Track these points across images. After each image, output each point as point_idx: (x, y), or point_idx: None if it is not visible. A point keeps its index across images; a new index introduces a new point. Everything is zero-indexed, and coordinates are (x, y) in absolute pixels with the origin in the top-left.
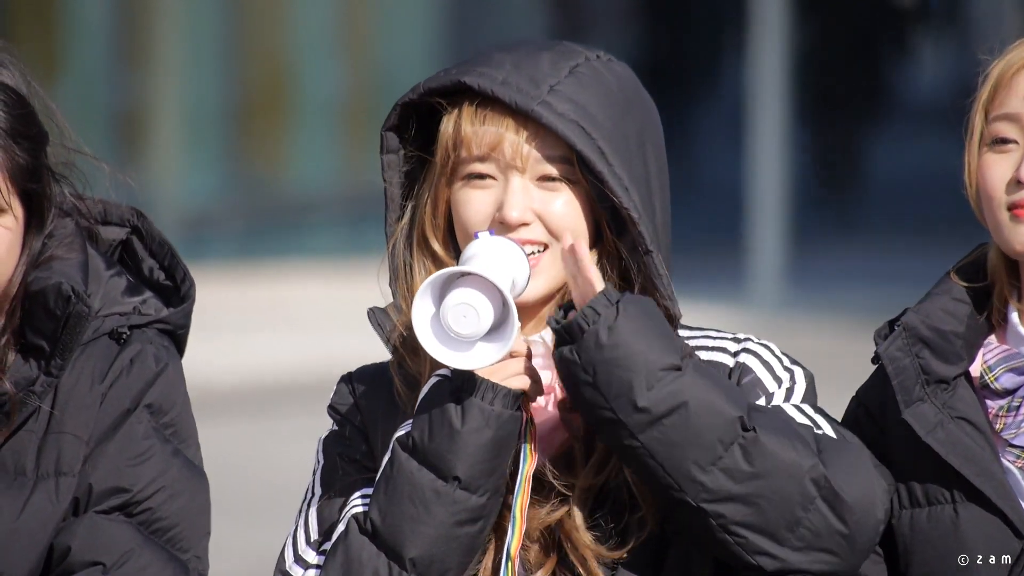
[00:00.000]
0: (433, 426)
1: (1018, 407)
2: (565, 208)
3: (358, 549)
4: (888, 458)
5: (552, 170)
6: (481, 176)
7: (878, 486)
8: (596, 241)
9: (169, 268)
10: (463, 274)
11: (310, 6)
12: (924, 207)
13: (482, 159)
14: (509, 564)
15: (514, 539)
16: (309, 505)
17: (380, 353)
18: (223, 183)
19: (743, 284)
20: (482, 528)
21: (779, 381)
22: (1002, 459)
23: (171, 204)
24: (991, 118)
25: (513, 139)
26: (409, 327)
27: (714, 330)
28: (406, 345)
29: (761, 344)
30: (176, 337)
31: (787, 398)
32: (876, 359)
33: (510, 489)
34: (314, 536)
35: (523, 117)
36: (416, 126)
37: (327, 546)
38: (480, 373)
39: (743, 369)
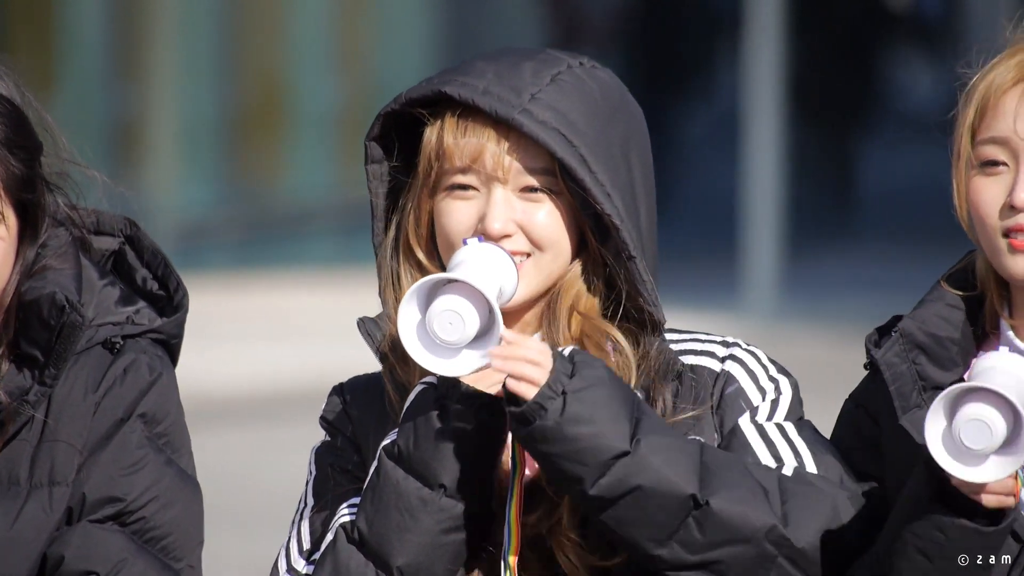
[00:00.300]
0: (418, 434)
1: None
2: (547, 219)
3: (346, 558)
4: (887, 459)
5: (534, 181)
6: (464, 187)
7: (845, 520)
8: (581, 249)
9: (162, 278)
10: (449, 281)
11: (306, 19)
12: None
13: (464, 170)
14: (508, 573)
15: (511, 547)
16: (301, 516)
17: (376, 362)
18: (219, 194)
19: (738, 292)
20: (470, 535)
21: (763, 392)
22: None
23: (167, 215)
24: (978, 141)
25: (494, 150)
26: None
27: (703, 333)
28: (396, 353)
29: (748, 351)
30: (169, 347)
31: (772, 411)
32: (869, 365)
33: (503, 496)
34: (306, 546)
35: (504, 127)
36: (401, 136)
37: (317, 555)
38: (465, 380)
39: (728, 378)
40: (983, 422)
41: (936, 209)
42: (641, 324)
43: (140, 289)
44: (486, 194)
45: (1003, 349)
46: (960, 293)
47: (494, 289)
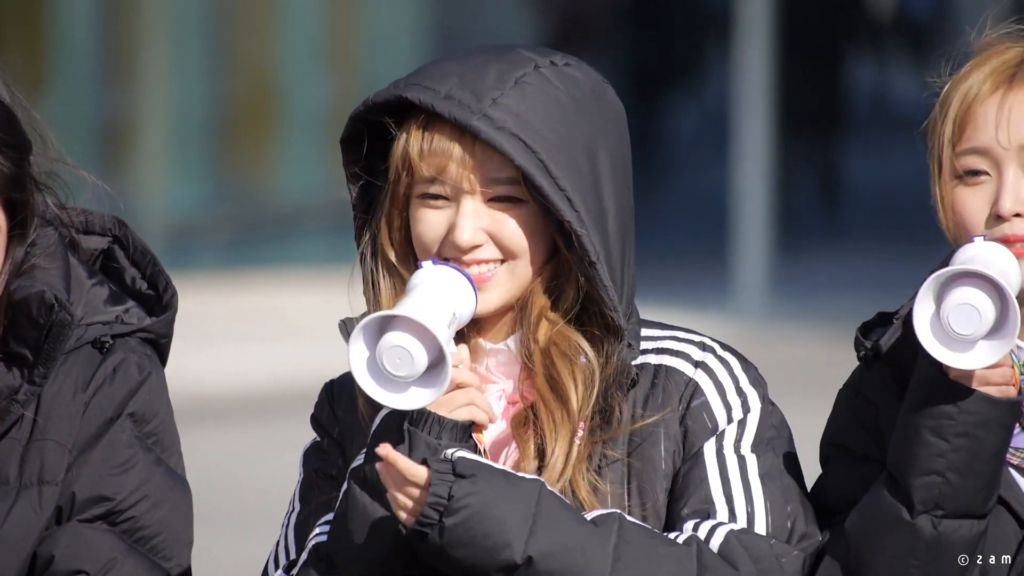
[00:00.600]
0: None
1: None
2: (516, 228)
3: None
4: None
5: (501, 190)
6: (434, 196)
7: None
8: (554, 254)
9: (151, 277)
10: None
11: (296, 18)
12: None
13: (432, 181)
14: None
15: None
16: (289, 520)
17: None
18: (209, 193)
19: (728, 292)
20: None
21: (728, 408)
22: None
23: (158, 215)
24: (958, 151)
25: (459, 161)
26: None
27: (683, 330)
28: None
29: (720, 360)
30: (159, 346)
31: (738, 436)
32: (864, 356)
33: None
34: (291, 555)
35: (469, 134)
36: (378, 135)
37: (295, 572)
38: (428, 407)
39: (696, 390)
40: (971, 306)
41: (927, 210)
42: (607, 329)
43: (129, 289)
44: (455, 205)
45: (978, 239)
46: None
47: (445, 319)
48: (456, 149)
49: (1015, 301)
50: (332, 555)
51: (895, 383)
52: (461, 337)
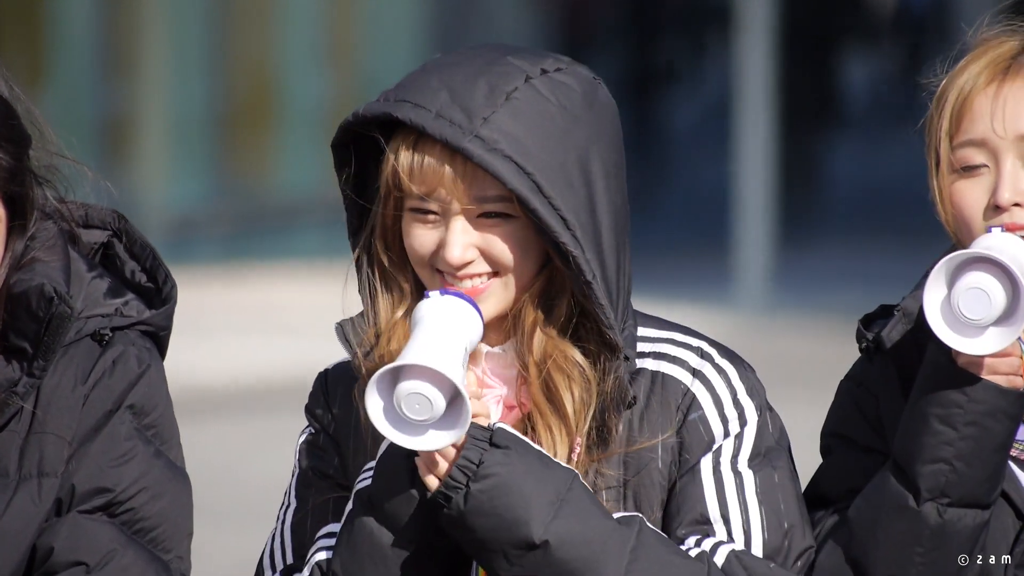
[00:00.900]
0: (391, 488)
1: None
2: (506, 243)
3: None
4: (888, 434)
5: (491, 207)
6: (424, 211)
7: None
8: (547, 262)
9: (151, 270)
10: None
11: (295, 14)
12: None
13: (422, 197)
14: None
15: None
16: (285, 516)
17: None
18: (209, 188)
19: (729, 286)
20: None
21: (725, 422)
22: None
23: (157, 209)
24: (956, 145)
25: (450, 180)
26: (373, 344)
27: (682, 332)
28: (369, 364)
29: (718, 369)
30: (158, 339)
31: (736, 451)
32: (866, 348)
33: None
34: (289, 559)
35: (460, 153)
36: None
37: None
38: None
39: (693, 402)
40: (982, 291)
41: (926, 204)
42: (604, 344)
43: (129, 282)
44: (445, 222)
45: (996, 230)
46: None
47: (459, 356)
48: (446, 170)
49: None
50: (338, 574)
51: (896, 375)
52: None
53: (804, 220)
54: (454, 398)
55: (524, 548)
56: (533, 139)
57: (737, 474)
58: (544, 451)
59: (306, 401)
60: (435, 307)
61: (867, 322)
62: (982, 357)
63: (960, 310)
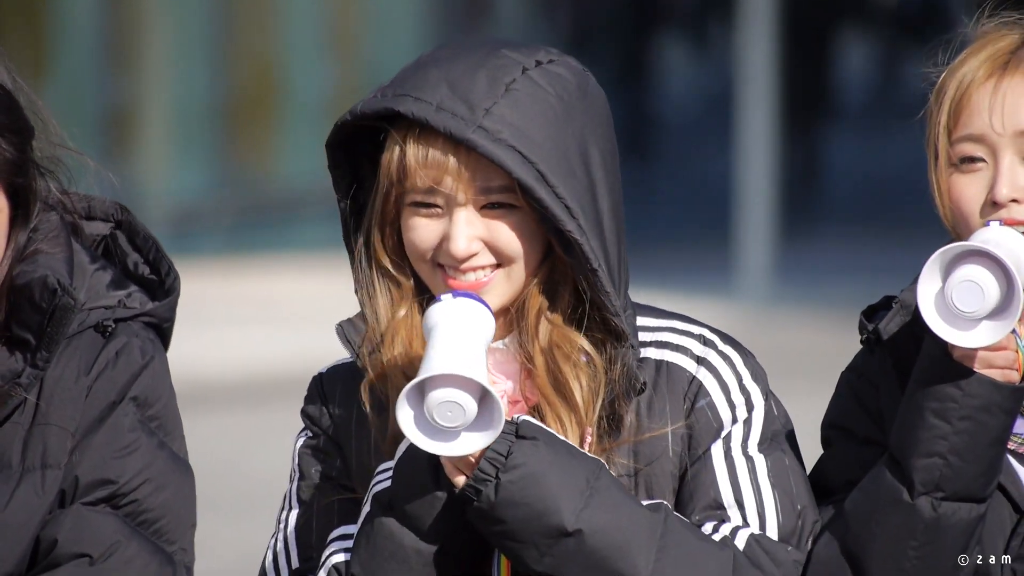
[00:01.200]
0: (412, 488)
1: None
2: (511, 234)
3: None
4: (888, 426)
5: (495, 198)
6: (427, 205)
7: None
8: (548, 255)
9: (154, 262)
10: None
11: (298, 5)
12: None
13: (425, 191)
14: None
15: None
16: (287, 522)
17: None
18: (211, 180)
19: (731, 278)
20: None
21: (733, 407)
22: None
23: (160, 200)
24: (954, 139)
25: (453, 172)
26: (377, 343)
27: (681, 320)
28: (374, 364)
29: (722, 355)
30: (161, 330)
31: (745, 436)
32: (866, 340)
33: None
34: (295, 563)
35: (464, 145)
36: (363, 140)
37: None
38: None
39: (700, 389)
40: (976, 284)
41: (926, 197)
42: (609, 332)
43: (131, 273)
44: (448, 214)
45: (994, 224)
46: None
47: (481, 358)
48: (451, 161)
49: (1020, 283)
50: None
51: (894, 367)
52: None
53: (806, 212)
54: (483, 400)
55: (556, 537)
56: (535, 129)
57: (748, 459)
58: (569, 441)
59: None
60: (449, 311)
61: (870, 313)
62: (975, 350)
63: (953, 302)
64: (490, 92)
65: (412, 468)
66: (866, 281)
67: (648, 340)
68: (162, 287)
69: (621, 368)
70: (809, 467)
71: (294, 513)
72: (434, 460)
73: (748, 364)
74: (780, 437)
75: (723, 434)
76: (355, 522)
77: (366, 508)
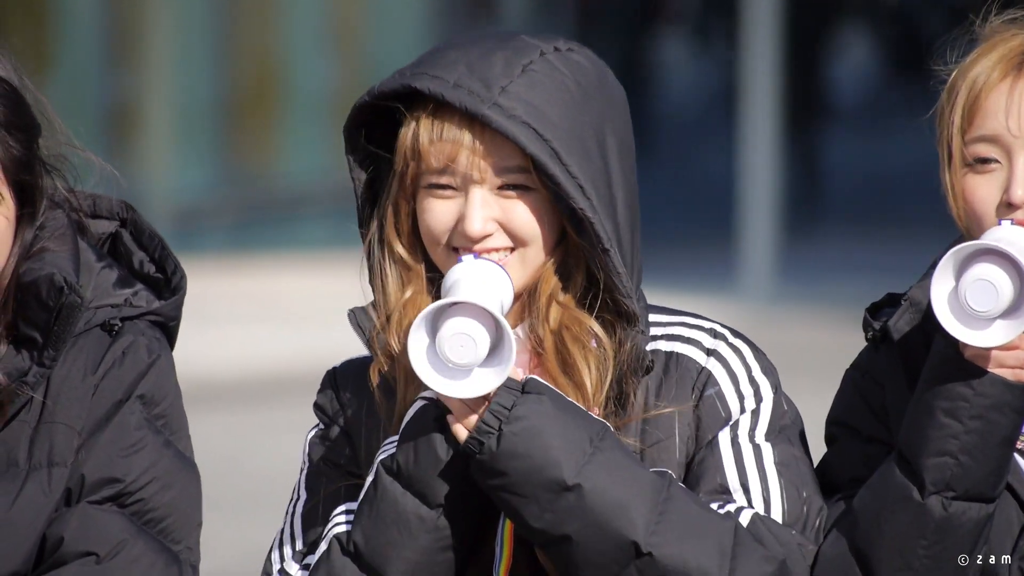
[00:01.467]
0: (418, 453)
1: None
2: (526, 215)
3: (340, 570)
4: (894, 424)
5: (510, 179)
6: (442, 186)
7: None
8: (562, 239)
9: (159, 260)
10: (454, 303)
11: (301, 2)
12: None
13: (440, 171)
14: None
15: (502, 562)
16: (295, 508)
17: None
18: (214, 177)
19: (734, 276)
20: (463, 550)
21: (741, 397)
22: None
23: (163, 198)
24: (968, 139)
25: (469, 151)
26: (383, 324)
27: (692, 315)
28: (384, 349)
29: (733, 348)
30: (167, 329)
31: (753, 426)
32: (872, 337)
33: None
34: (299, 546)
35: (478, 122)
36: (381, 123)
37: (311, 559)
38: (467, 402)
39: (709, 379)
40: (989, 283)
41: (932, 195)
42: (619, 315)
43: (137, 272)
44: (464, 194)
45: (1006, 223)
46: None
47: (497, 306)
48: (466, 137)
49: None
50: (360, 546)
51: (902, 365)
52: None
53: (808, 211)
54: (496, 341)
55: (556, 491)
56: (551, 108)
57: (756, 446)
58: (578, 404)
59: (314, 398)
60: (470, 269)
61: (873, 311)
62: (988, 350)
63: (967, 302)
64: (507, 71)
65: (418, 429)
66: (869, 279)
67: (659, 334)
68: (168, 286)
69: (631, 348)
70: (814, 465)
71: (301, 501)
72: (440, 421)
73: (758, 358)
74: (789, 431)
75: (731, 422)
76: None
77: (369, 478)
